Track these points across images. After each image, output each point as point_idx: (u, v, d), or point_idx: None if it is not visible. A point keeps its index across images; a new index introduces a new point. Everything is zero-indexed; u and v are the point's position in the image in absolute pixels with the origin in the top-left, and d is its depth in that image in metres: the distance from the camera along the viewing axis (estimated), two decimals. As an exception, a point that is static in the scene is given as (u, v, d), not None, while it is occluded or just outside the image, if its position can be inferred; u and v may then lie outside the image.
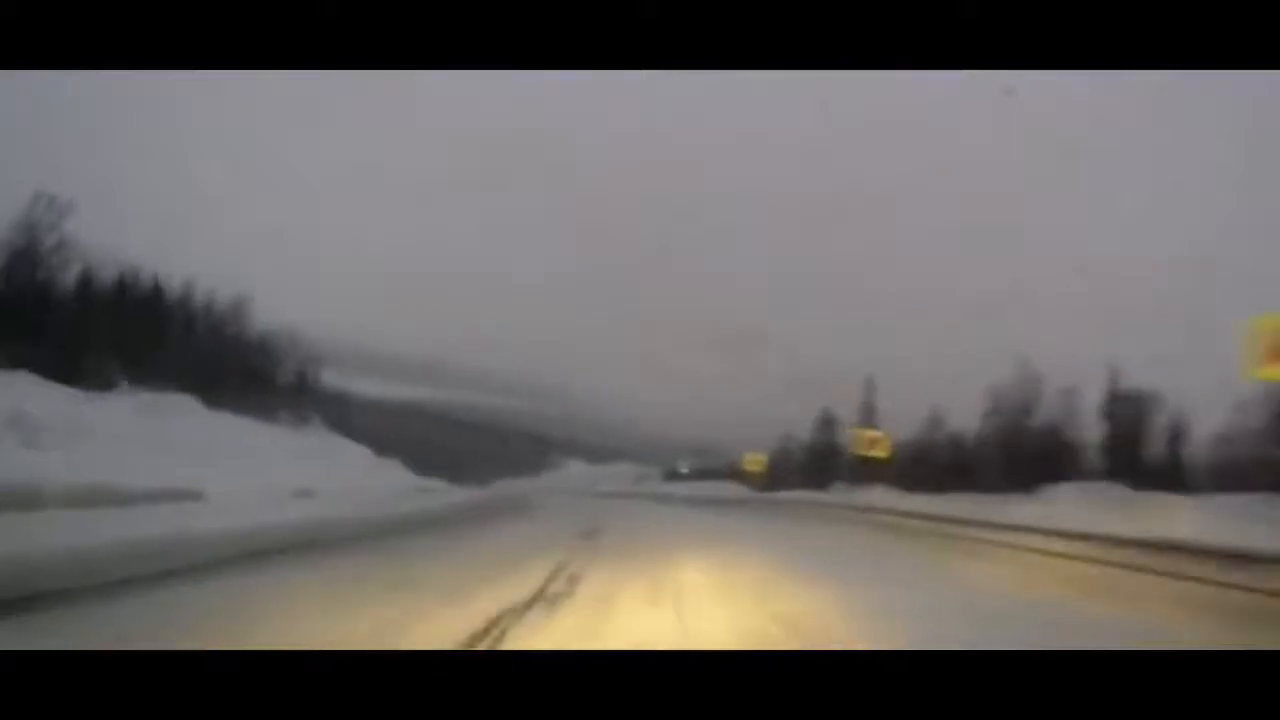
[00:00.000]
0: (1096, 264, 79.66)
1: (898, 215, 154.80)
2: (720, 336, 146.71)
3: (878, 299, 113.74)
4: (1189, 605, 7.75)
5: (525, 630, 5.10)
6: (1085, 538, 14.46)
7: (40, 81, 43.28)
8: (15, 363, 23.99)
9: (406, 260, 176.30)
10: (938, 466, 42.21)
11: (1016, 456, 36.14)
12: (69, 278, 34.04)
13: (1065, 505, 23.32)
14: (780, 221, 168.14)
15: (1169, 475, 31.72)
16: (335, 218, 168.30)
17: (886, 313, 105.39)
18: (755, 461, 63.74)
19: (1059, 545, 13.50)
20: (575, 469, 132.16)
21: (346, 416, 59.11)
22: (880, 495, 38.46)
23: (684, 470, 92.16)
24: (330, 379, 60.76)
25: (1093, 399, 36.60)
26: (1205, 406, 33.09)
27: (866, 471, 45.61)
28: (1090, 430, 36.96)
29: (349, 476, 32.02)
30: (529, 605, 5.99)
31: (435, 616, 5.50)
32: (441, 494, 36.40)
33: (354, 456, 44.15)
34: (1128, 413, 35.74)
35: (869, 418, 50.15)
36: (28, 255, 31.56)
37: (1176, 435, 35.56)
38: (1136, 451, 35.01)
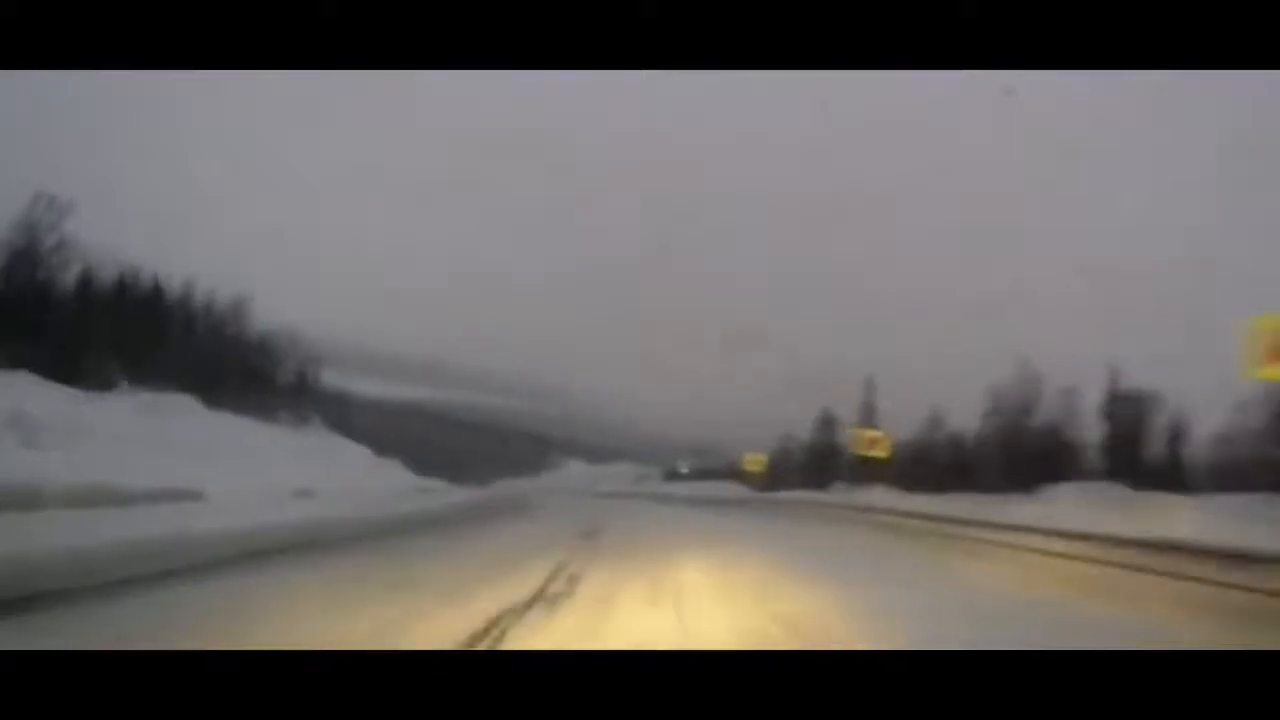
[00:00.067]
0: (1096, 264, 79.77)
1: (898, 215, 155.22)
2: (720, 336, 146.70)
3: (878, 299, 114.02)
4: (1189, 605, 7.75)
5: (525, 630, 5.10)
6: (1085, 538, 14.45)
7: (40, 81, 43.35)
8: (15, 363, 24.00)
9: (406, 260, 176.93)
10: (938, 466, 42.19)
11: (1016, 456, 36.13)
12: (69, 278, 34.11)
13: (1065, 505, 23.31)
14: (780, 221, 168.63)
15: (1169, 475, 31.71)
16: (335, 218, 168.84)
17: (886, 313, 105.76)
18: (755, 461, 63.71)
19: (1059, 545, 13.50)
20: (575, 469, 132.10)
21: (346, 416, 59.17)
22: (880, 495, 38.44)
23: (684, 470, 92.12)
24: (330, 379, 60.95)
25: (1093, 399, 36.67)
26: (1205, 406, 33.15)
27: (866, 471, 45.59)
28: (1090, 430, 37.03)
29: (349, 476, 32.02)
30: (529, 605, 5.99)
31: (435, 616, 5.50)
32: (441, 494, 36.40)
33: (354, 456, 44.16)
34: (1128, 413, 35.73)
35: (869, 418, 50.17)
36: (28, 255, 31.57)
37: (1176, 435, 35.59)
38: (1136, 451, 35.00)
